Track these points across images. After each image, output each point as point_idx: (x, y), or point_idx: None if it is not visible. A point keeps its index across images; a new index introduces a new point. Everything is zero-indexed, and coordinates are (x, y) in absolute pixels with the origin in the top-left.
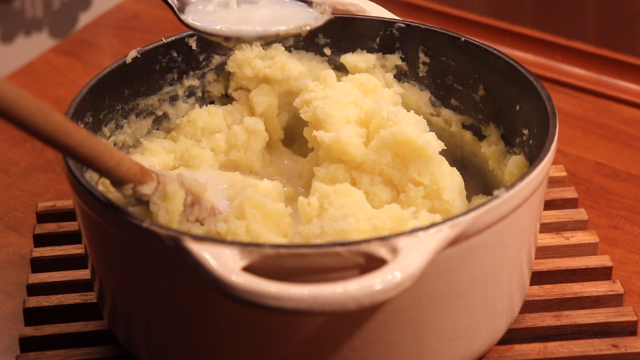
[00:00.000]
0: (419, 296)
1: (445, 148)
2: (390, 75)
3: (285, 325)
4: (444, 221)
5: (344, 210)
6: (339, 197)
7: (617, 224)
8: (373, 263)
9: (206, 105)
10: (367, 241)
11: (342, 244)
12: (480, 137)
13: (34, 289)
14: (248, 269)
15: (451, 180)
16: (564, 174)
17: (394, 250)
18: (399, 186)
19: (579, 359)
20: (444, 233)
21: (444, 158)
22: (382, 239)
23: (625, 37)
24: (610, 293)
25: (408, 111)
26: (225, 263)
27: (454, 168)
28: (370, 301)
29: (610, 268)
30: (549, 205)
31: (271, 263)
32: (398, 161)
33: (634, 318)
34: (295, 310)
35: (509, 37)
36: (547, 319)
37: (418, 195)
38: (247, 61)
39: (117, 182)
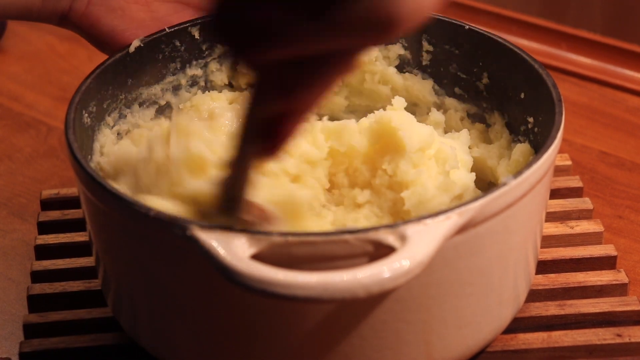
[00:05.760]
0: (427, 284)
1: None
2: (393, 70)
3: (293, 314)
4: (452, 208)
5: None
6: None
7: (622, 213)
8: (381, 251)
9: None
10: (375, 229)
11: (351, 232)
12: (485, 125)
13: (38, 276)
14: (256, 257)
15: None
16: (568, 162)
17: (403, 238)
18: None
19: (583, 348)
20: (452, 220)
21: None
22: (391, 226)
23: (632, 26)
24: (614, 282)
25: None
26: (234, 251)
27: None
28: (379, 289)
29: (614, 257)
30: (554, 194)
31: (279, 251)
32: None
33: (639, 307)
34: (305, 299)
35: (514, 25)
36: (551, 308)
37: None
38: None
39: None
